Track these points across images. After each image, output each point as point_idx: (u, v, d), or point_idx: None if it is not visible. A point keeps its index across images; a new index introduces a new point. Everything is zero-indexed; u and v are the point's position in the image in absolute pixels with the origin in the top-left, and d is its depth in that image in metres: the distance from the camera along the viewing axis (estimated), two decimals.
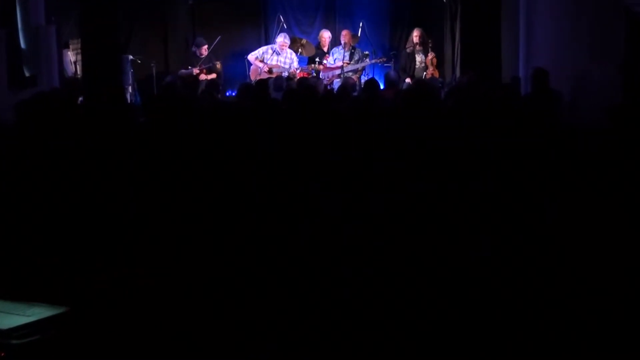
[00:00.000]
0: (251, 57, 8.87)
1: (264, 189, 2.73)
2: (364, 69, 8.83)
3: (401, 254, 2.10)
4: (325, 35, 9.20)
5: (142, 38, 9.31)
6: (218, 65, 8.99)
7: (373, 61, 8.61)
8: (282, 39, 8.79)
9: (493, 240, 2.23)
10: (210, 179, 3.00)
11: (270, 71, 8.69)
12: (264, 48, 8.97)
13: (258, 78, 8.31)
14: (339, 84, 7.78)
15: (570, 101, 5.88)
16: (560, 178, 2.71)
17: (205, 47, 8.60)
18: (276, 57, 8.79)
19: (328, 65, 8.80)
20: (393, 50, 9.26)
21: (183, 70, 8.57)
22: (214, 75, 8.62)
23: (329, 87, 8.42)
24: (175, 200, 2.90)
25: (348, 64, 8.61)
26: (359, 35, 9.29)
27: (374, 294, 2.04)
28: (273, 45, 8.91)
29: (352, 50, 8.76)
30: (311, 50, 9.27)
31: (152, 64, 8.67)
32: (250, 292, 2.10)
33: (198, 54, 8.55)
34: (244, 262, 2.16)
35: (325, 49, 9.06)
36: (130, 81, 8.59)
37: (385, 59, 8.71)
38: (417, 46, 8.67)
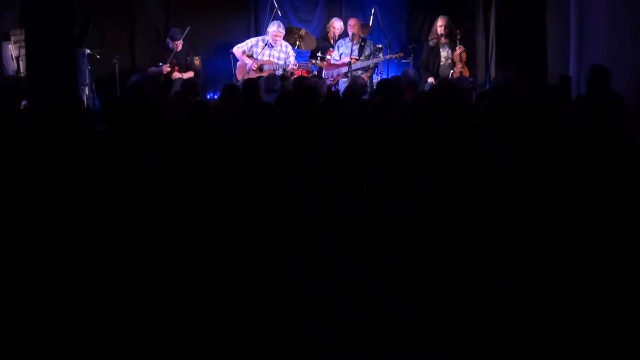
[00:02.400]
0: (237, 50, 8.86)
1: (250, 227, 2.96)
2: (376, 66, 8.86)
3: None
4: (337, 25, 9.21)
5: (103, 28, 9.40)
6: (197, 61, 9.03)
7: (387, 57, 8.64)
8: (275, 29, 8.79)
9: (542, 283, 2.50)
10: (183, 205, 3.11)
11: (260, 68, 8.71)
12: (253, 40, 8.98)
13: (246, 77, 8.36)
14: (346, 84, 7.81)
15: (634, 107, 5.89)
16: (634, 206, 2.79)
17: (181, 41, 8.65)
18: (268, 50, 8.81)
19: (332, 62, 8.83)
20: (412, 43, 9.29)
21: (153, 68, 8.61)
22: (191, 74, 8.65)
23: (333, 89, 8.45)
24: (138, 226, 3.03)
25: (357, 59, 8.62)
26: (370, 24, 9.35)
27: None
28: (264, 36, 8.95)
29: (362, 43, 8.78)
30: (311, 43, 9.31)
31: (115, 60, 8.72)
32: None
33: (172, 48, 8.60)
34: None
35: (333, 42, 9.08)
36: (87, 81, 8.65)
37: (402, 54, 8.75)
38: (442, 38, 8.70)
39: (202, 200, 3.28)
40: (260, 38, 8.93)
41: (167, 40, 8.76)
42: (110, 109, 4.51)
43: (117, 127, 4.30)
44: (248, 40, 8.97)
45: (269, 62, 8.76)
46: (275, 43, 8.76)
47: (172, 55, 8.47)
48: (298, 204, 3.16)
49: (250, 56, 8.80)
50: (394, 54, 8.64)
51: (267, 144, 3.97)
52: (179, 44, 8.60)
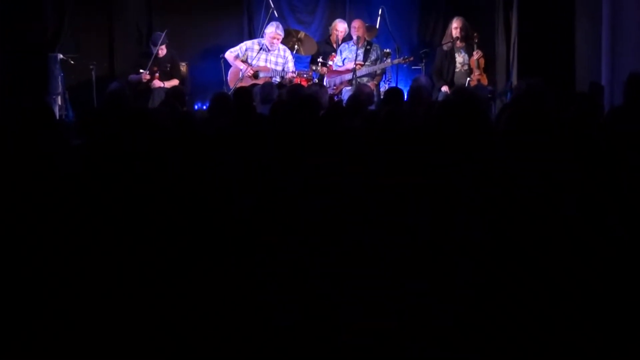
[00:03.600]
0: (230, 55, 8.88)
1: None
2: (384, 72, 8.89)
3: None
4: (340, 27, 9.28)
5: (78, 30, 9.44)
6: (183, 67, 9.06)
7: (396, 61, 8.66)
8: (273, 30, 8.81)
9: None
10: (168, 232, 3.15)
11: (256, 75, 8.73)
12: (248, 43, 9.01)
13: (239, 85, 8.36)
14: (350, 93, 7.81)
15: None
16: None
17: (164, 45, 8.65)
18: (265, 55, 8.82)
19: (335, 68, 8.85)
20: (424, 47, 9.34)
21: (134, 75, 8.62)
22: (175, 82, 8.66)
23: (335, 98, 8.46)
24: (118, 255, 3.08)
25: (362, 65, 8.64)
26: (377, 26, 9.39)
27: None
28: (260, 39, 8.96)
29: (368, 47, 8.81)
30: (312, 48, 9.35)
31: (91, 66, 8.76)
32: None
33: (154, 54, 8.61)
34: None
35: (336, 46, 9.13)
36: (60, 89, 8.67)
37: (412, 59, 8.76)
38: (458, 42, 8.72)
39: (189, 223, 3.32)
40: (255, 41, 8.96)
41: (151, 45, 8.77)
42: (86, 121, 4.50)
43: (94, 141, 4.28)
44: (242, 44, 8.99)
45: (266, 69, 8.76)
46: (272, 46, 8.77)
47: (152, 60, 8.45)
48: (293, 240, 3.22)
49: (245, 61, 8.79)
50: (404, 58, 8.66)
51: (261, 163, 3.95)
52: (162, 49, 8.60)
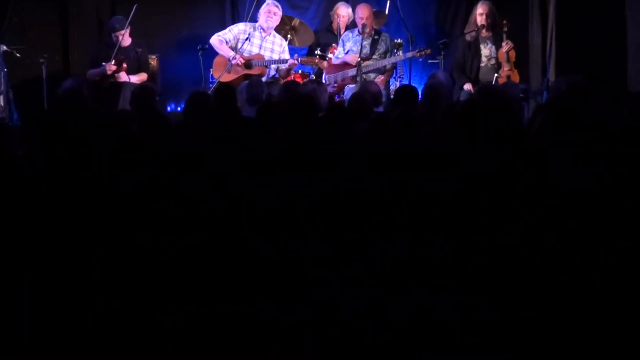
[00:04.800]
0: (216, 40, 8.86)
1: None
2: (394, 67, 8.92)
3: None
4: (343, 12, 9.31)
5: (25, 19, 9.45)
6: (152, 61, 9.07)
7: (409, 54, 8.66)
8: (273, 6, 8.84)
9: None
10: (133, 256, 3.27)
11: (247, 65, 8.72)
12: (240, 26, 8.98)
13: (225, 77, 8.37)
14: (353, 91, 7.83)
15: None
16: None
17: (127, 31, 8.65)
18: (259, 40, 8.85)
19: (335, 61, 8.89)
20: (443, 37, 9.37)
21: (93, 70, 8.64)
22: (143, 77, 8.69)
23: (336, 98, 8.49)
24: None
25: (368, 58, 8.68)
26: (386, 12, 9.43)
27: None
28: (255, 23, 8.94)
29: (375, 37, 8.80)
30: (308, 37, 9.37)
31: (42, 60, 8.80)
32: None
33: (116, 42, 8.62)
34: None
35: (339, 36, 9.11)
36: (3, 87, 8.69)
37: (429, 51, 8.75)
38: (484, 31, 8.75)
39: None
40: (249, 24, 8.97)
41: (111, 32, 8.77)
42: (35, 125, 4.51)
43: (43, 151, 4.31)
44: (233, 26, 9.04)
45: (259, 57, 8.76)
46: (268, 27, 8.78)
47: (116, 50, 8.48)
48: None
49: (234, 48, 8.77)
50: (418, 51, 8.61)
51: (246, 177, 3.99)
52: (125, 36, 8.60)
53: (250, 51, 8.82)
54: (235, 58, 8.69)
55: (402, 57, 8.73)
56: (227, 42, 8.84)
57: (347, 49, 8.80)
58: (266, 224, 3.57)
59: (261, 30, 8.86)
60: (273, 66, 8.80)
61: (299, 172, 4.03)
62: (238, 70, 8.67)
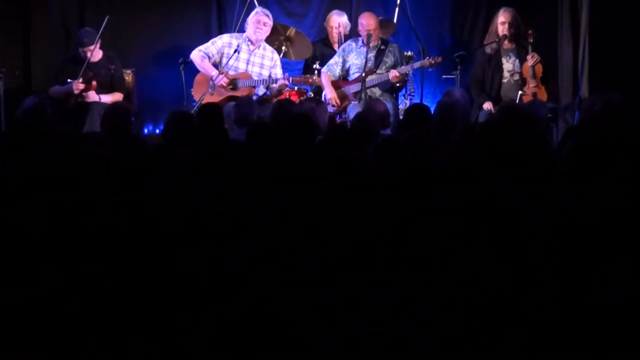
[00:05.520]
0: (197, 56, 8.80)
1: None
2: (405, 82, 8.90)
3: None
4: (334, 22, 9.29)
5: None
6: (128, 77, 9.07)
7: (418, 64, 8.56)
8: (258, 13, 8.76)
9: None
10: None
11: (233, 85, 8.69)
12: (224, 37, 8.91)
13: (207, 99, 8.35)
14: (357, 111, 7.80)
15: None
16: None
17: (98, 45, 8.61)
18: (247, 54, 8.81)
19: (324, 76, 8.84)
20: (460, 49, 9.36)
21: (57, 87, 8.64)
22: (118, 96, 8.68)
23: (337, 119, 8.47)
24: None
25: (372, 72, 8.66)
26: (394, 20, 9.43)
27: None
28: (240, 34, 8.90)
29: (382, 47, 8.79)
30: (304, 49, 9.37)
31: None
32: None
33: (84, 57, 8.58)
34: None
35: (337, 47, 9.14)
36: None
37: (439, 59, 8.62)
38: (506, 42, 8.76)
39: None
40: (235, 35, 8.89)
41: (78, 47, 8.74)
42: None
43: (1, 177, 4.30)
44: (216, 39, 8.94)
45: (246, 76, 8.69)
46: (257, 40, 8.71)
47: (85, 66, 8.45)
48: None
49: (217, 64, 8.72)
50: (429, 59, 8.55)
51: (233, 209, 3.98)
52: (95, 51, 8.57)
53: (236, 67, 8.73)
54: (219, 77, 8.61)
55: (410, 69, 8.66)
56: (209, 58, 8.77)
57: (349, 63, 8.78)
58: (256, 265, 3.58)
59: (249, 43, 8.79)
60: (260, 87, 8.72)
61: (293, 204, 4.02)
62: (222, 91, 8.61)
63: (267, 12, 8.88)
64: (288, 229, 3.76)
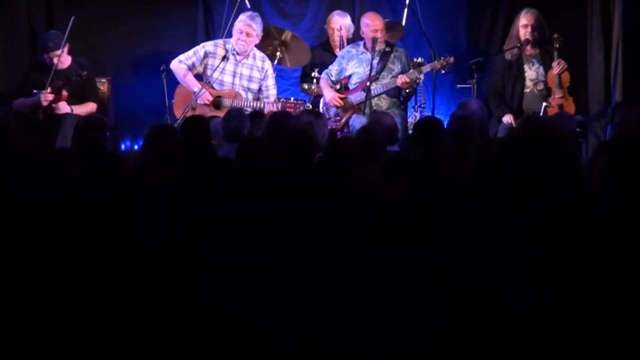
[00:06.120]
0: (178, 67, 8.75)
1: None
2: (415, 90, 8.88)
3: None
4: (336, 24, 9.28)
5: None
6: (102, 86, 9.07)
7: (427, 67, 8.51)
8: (243, 21, 8.59)
9: None
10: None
11: (216, 104, 8.61)
12: (208, 45, 8.83)
13: (188, 114, 8.35)
14: (360, 124, 7.80)
15: None
16: None
17: (66, 50, 8.59)
18: (233, 65, 8.77)
19: (321, 83, 8.84)
20: (476, 55, 9.37)
21: (22, 100, 8.63)
22: (91, 107, 8.67)
23: (339, 134, 8.46)
24: None
25: (375, 78, 8.64)
26: (403, 22, 9.44)
27: None
28: (227, 40, 8.87)
29: (387, 49, 8.77)
30: (302, 56, 9.37)
31: None
32: None
33: (50, 65, 8.53)
34: None
35: (338, 52, 9.10)
36: None
37: (451, 59, 8.57)
38: (529, 47, 8.77)
39: None
40: (220, 42, 8.78)
41: (43, 52, 8.71)
42: None
43: None
44: (199, 47, 8.86)
45: (231, 94, 8.61)
46: (241, 50, 8.62)
47: (52, 73, 8.42)
48: None
49: (198, 75, 8.71)
50: (440, 60, 8.53)
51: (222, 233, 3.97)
52: (63, 56, 8.55)
53: (221, 81, 8.67)
54: (202, 92, 8.53)
55: (417, 74, 8.57)
56: (191, 68, 8.70)
57: (349, 72, 8.76)
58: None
59: (235, 53, 8.69)
60: (247, 103, 8.57)
61: (288, 229, 4.02)
62: (205, 109, 8.49)
63: (255, 19, 8.64)
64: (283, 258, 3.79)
